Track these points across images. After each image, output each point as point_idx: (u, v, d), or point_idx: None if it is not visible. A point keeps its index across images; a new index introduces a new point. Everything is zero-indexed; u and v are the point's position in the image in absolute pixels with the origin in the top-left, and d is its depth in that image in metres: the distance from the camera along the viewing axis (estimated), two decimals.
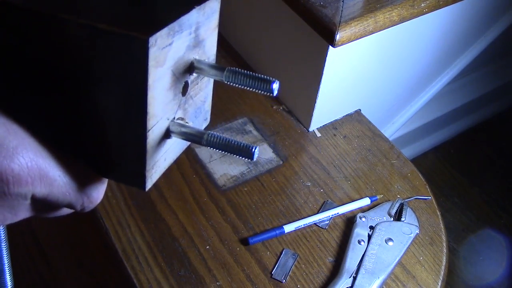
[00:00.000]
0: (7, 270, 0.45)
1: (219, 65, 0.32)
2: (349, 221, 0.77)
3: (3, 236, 0.38)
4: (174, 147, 0.33)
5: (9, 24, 0.28)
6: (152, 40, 0.26)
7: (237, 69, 0.31)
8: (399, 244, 0.73)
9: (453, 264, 1.45)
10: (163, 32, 0.27)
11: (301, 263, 0.72)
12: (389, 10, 0.77)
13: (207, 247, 0.72)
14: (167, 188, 0.78)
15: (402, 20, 0.79)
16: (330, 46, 0.76)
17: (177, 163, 0.80)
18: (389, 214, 0.77)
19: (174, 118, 0.32)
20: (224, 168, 0.82)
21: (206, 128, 0.36)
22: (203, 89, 0.35)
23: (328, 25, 0.74)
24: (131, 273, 0.68)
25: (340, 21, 0.73)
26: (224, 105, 0.91)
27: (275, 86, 0.30)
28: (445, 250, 0.75)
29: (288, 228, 0.74)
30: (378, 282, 0.69)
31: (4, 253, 0.43)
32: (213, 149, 0.31)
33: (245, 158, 0.30)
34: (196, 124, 0.35)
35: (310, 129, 0.90)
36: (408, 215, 0.77)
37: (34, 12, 0.27)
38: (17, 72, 0.30)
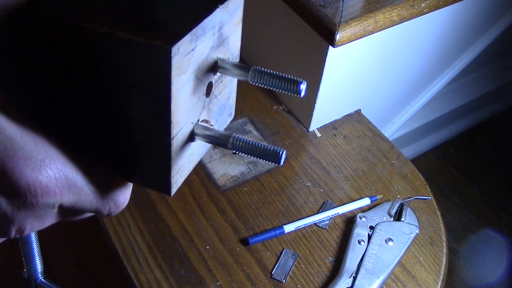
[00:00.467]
0: (36, 255, 0.45)
1: (243, 65, 0.31)
2: (349, 221, 0.77)
3: None
4: (199, 149, 0.32)
5: (30, 32, 0.28)
6: (174, 49, 0.25)
7: (263, 69, 0.30)
8: (399, 244, 0.73)
9: (453, 264, 1.45)
10: (186, 39, 0.26)
11: (301, 263, 0.72)
12: (389, 10, 0.77)
13: (207, 247, 0.72)
14: None
15: (402, 20, 0.79)
16: (330, 46, 0.76)
17: None
18: (389, 214, 0.77)
19: (198, 120, 0.31)
20: (224, 168, 0.81)
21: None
22: (228, 86, 0.34)
23: (328, 25, 0.74)
24: (131, 273, 0.68)
25: (340, 21, 0.73)
26: None
27: (303, 86, 0.29)
28: (445, 250, 0.75)
29: (288, 228, 0.74)
30: (378, 282, 0.69)
31: (34, 239, 0.44)
32: (239, 153, 0.30)
33: (272, 162, 0.29)
34: (220, 121, 0.34)
35: (310, 129, 0.90)
36: (408, 215, 0.77)
37: (53, 20, 0.27)
38: (41, 81, 0.29)
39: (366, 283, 0.68)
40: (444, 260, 0.74)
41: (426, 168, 1.64)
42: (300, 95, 0.30)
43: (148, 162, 0.30)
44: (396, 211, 0.77)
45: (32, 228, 0.28)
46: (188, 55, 0.27)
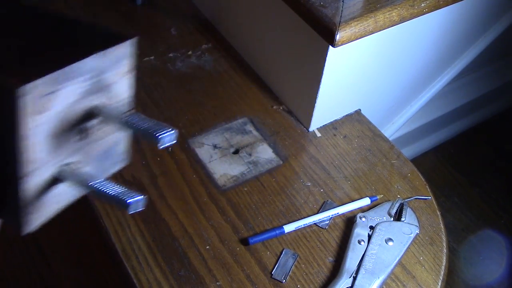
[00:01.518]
0: None
1: (123, 115, 0.32)
2: (349, 221, 0.77)
3: None
4: (71, 190, 0.33)
5: None
6: (22, 90, 0.26)
7: (131, 121, 0.31)
8: (399, 244, 0.73)
9: (453, 264, 1.45)
10: (42, 81, 0.27)
11: (301, 263, 0.72)
12: (389, 10, 0.77)
13: (207, 247, 0.72)
14: (167, 188, 0.78)
15: (402, 20, 0.79)
16: (330, 46, 0.76)
17: (177, 163, 0.80)
18: (389, 214, 0.77)
19: (69, 163, 0.32)
20: (224, 168, 0.81)
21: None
22: (112, 133, 0.35)
23: (328, 25, 0.74)
24: (131, 273, 0.68)
25: (340, 21, 0.73)
26: (224, 105, 0.91)
27: (167, 138, 0.31)
28: (445, 250, 0.75)
29: (288, 228, 0.74)
30: (378, 282, 0.69)
31: None
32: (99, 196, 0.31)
33: (122, 208, 0.30)
34: (102, 167, 0.35)
35: (310, 129, 0.90)
36: (408, 215, 0.77)
37: None
38: None
39: (366, 283, 0.68)
40: (444, 260, 0.74)
41: (426, 168, 1.64)
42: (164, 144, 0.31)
43: (8, 196, 0.31)
44: (396, 211, 0.77)
45: None
46: (48, 96, 0.28)
